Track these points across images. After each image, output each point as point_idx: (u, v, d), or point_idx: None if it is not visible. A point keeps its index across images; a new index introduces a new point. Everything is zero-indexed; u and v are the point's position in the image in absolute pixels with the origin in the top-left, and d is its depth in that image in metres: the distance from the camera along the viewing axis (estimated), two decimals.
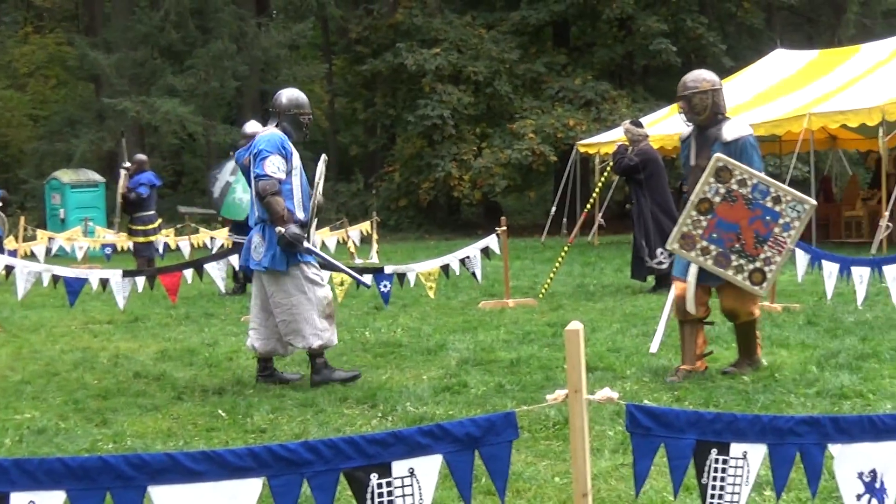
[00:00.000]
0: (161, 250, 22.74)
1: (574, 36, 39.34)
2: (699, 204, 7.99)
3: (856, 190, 25.17)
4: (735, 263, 7.95)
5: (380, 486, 3.31)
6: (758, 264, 7.92)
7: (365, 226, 24.54)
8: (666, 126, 24.98)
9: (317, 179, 8.99)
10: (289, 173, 8.71)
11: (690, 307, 8.22)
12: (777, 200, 7.85)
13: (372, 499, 3.30)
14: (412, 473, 3.34)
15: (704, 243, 8.00)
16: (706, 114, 8.42)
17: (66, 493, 3.02)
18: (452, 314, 12.97)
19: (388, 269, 11.95)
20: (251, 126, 15.80)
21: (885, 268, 10.10)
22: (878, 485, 3.59)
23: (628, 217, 14.57)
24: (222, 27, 34.85)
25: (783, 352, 9.39)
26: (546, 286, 14.67)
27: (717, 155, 8.00)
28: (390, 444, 3.32)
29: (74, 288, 10.86)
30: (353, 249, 22.64)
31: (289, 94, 9.14)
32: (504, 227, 13.72)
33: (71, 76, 43.41)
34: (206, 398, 8.32)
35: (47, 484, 3.00)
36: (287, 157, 8.70)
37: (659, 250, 14.05)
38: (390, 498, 3.31)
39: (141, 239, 19.22)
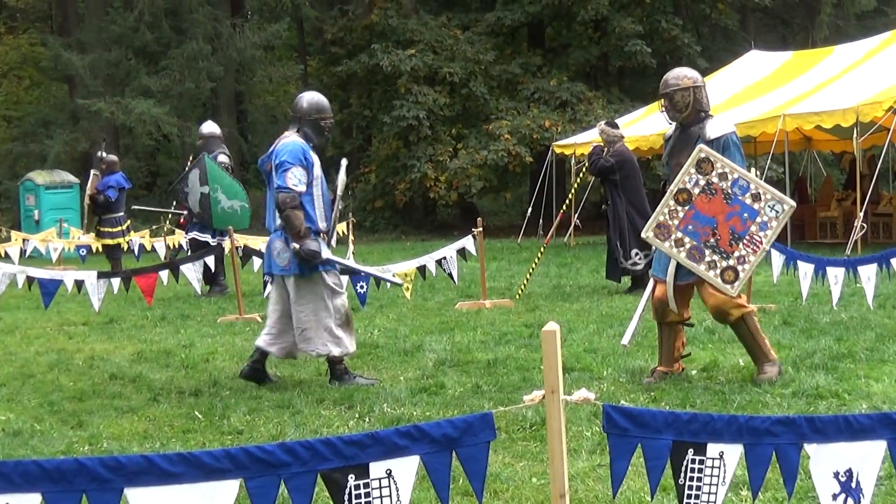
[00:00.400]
0: (136, 252, 22.65)
1: (549, 37, 39.39)
2: (678, 194, 7.94)
3: (830, 191, 25.28)
4: (708, 259, 7.88)
5: (357, 487, 3.30)
6: (731, 262, 7.85)
7: (341, 227, 24.47)
8: (641, 127, 25.05)
9: (339, 187, 9.00)
10: (310, 184, 8.64)
11: (672, 306, 8.20)
12: (756, 198, 7.79)
13: (349, 500, 3.30)
14: (389, 474, 3.33)
15: (679, 234, 7.93)
16: (688, 111, 8.35)
17: (42, 495, 3.00)
18: (429, 315, 12.97)
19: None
20: (208, 126, 15.77)
21: (859, 268, 10.15)
22: (853, 484, 3.60)
23: (603, 218, 14.59)
24: (197, 28, 34.73)
25: None
26: (522, 287, 14.68)
27: (700, 146, 7.95)
28: (367, 445, 3.32)
29: (49, 289, 10.82)
30: None
31: (309, 99, 9.02)
32: (480, 229, 13.73)
33: (45, 77, 43.22)
34: (182, 400, 8.30)
35: (23, 486, 2.99)
36: (309, 168, 8.62)
37: (634, 251, 14.09)
38: (368, 499, 3.31)
39: (109, 241, 19.14)
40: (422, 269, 12.65)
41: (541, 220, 27.19)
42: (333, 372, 8.83)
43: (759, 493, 3.80)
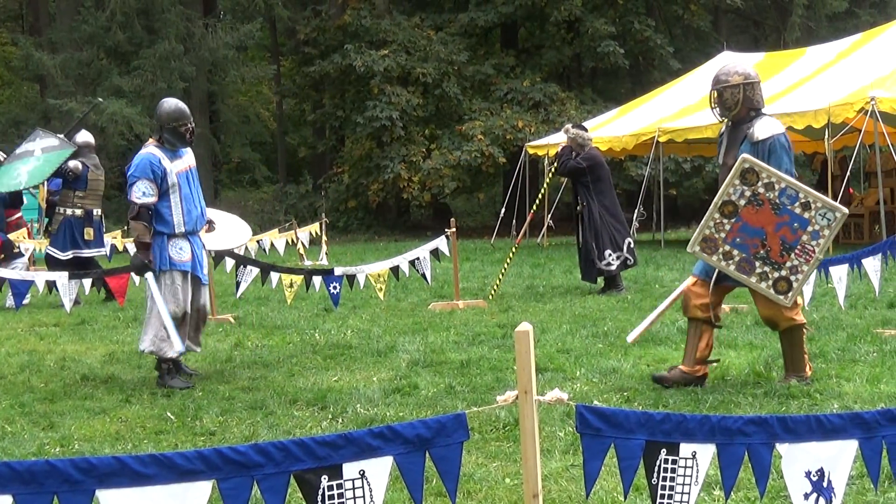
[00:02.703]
0: (108, 253, 22.51)
1: (522, 38, 39.47)
2: (723, 206, 7.72)
3: None
4: (759, 270, 7.70)
5: (330, 488, 3.30)
6: (783, 272, 7.66)
7: (314, 227, 24.46)
8: (614, 128, 25.13)
9: None
10: (165, 192, 9.00)
11: (700, 302, 8.11)
12: (806, 207, 7.54)
13: (323, 501, 3.29)
14: (363, 475, 3.33)
15: (727, 247, 7.73)
16: (737, 109, 8.12)
17: (13, 497, 2.98)
18: (402, 316, 12.97)
19: (338, 271, 11.91)
20: (82, 136, 15.64)
21: (831, 269, 10.18)
22: (825, 483, 3.62)
23: (575, 219, 14.61)
24: (169, 28, 34.61)
25: (731, 352, 9.45)
26: (496, 287, 14.70)
27: (744, 156, 7.71)
28: (341, 445, 3.31)
29: (20, 290, 10.75)
30: (302, 251, 22.56)
31: (168, 106, 9.27)
32: (454, 229, 13.74)
33: (15, 77, 43.04)
34: (154, 401, 8.27)
35: None
36: (158, 179, 8.96)
37: (607, 251, 14.12)
38: (341, 500, 3.31)
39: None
40: (395, 270, 12.63)
41: (514, 221, 27.22)
42: (159, 368, 9.15)
43: (732, 493, 3.81)
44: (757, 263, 7.70)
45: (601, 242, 14.13)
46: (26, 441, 7.00)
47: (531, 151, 27.45)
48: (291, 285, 11.59)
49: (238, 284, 11.57)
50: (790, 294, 7.72)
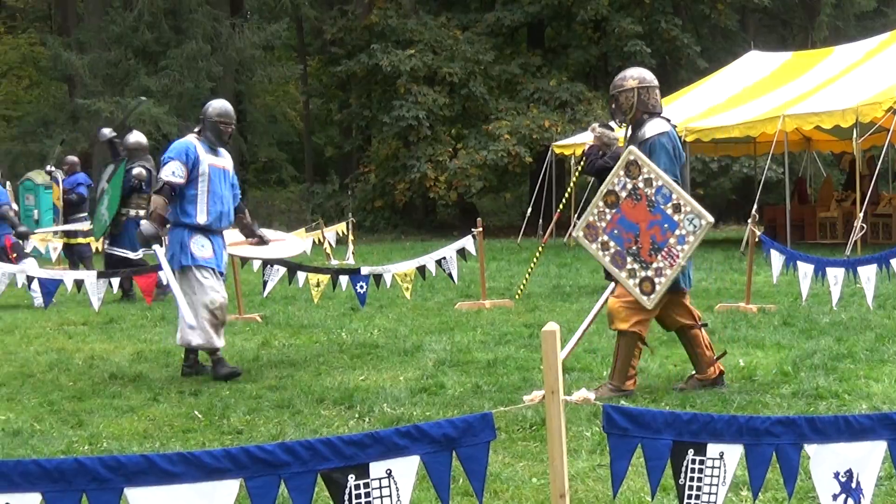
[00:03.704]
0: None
1: (549, 37, 39.42)
2: (606, 195, 7.73)
3: (830, 191, 25.29)
4: (629, 266, 7.65)
5: (357, 487, 3.30)
6: (649, 273, 7.59)
7: (341, 227, 24.51)
8: None
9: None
10: (194, 179, 9.15)
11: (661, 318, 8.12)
12: (677, 209, 7.47)
13: (349, 500, 3.29)
14: (390, 474, 3.33)
15: (605, 238, 7.74)
16: (632, 113, 8.07)
17: (42, 495, 3.00)
18: (429, 315, 12.96)
19: (365, 270, 11.94)
20: (134, 136, 15.76)
21: (859, 269, 10.14)
22: (853, 485, 3.60)
23: None
24: (196, 28, 34.71)
25: (759, 353, 9.42)
26: (522, 287, 14.68)
27: (630, 147, 7.76)
28: (367, 445, 3.31)
29: (49, 289, 10.82)
30: (328, 251, 22.59)
31: (216, 104, 9.60)
32: (480, 229, 13.73)
33: (44, 77, 43.24)
34: (182, 399, 8.30)
35: (23, 486, 2.98)
36: (190, 164, 9.13)
37: None
38: (368, 499, 3.31)
39: (81, 240, 19.08)
40: (421, 270, 12.64)
41: (540, 220, 27.17)
42: (186, 357, 9.47)
43: (760, 494, 3.80)
44: (628, 259, 7.68)
45: None
46: (55, 439, 7.03)
47: (557, 151, 27.41)
48: (318, 285, 11.62)
49: (265, 284, 11.61)
50: (653, 296, 7.64)
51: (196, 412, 7.75)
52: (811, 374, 8.24)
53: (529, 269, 15.08)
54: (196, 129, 9.44)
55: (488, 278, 15.37)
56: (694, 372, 8.16)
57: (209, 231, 9.22)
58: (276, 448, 3.23)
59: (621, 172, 7.67)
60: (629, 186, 7.62)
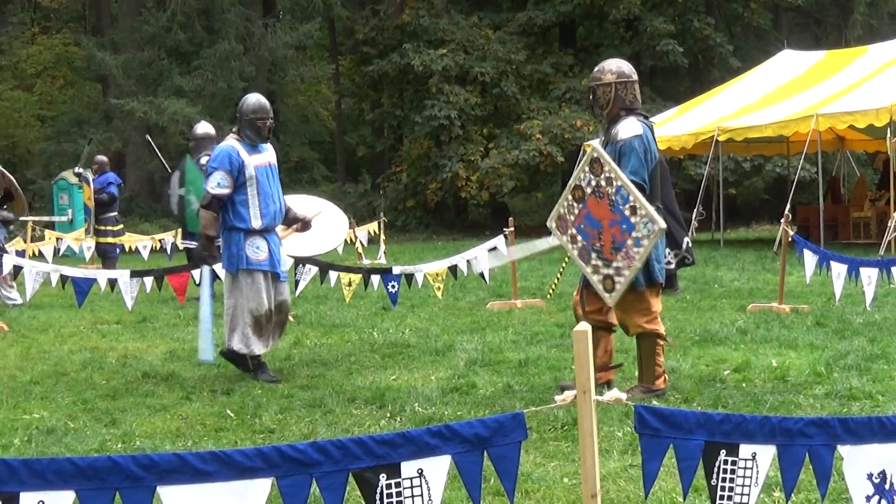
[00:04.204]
0: (169, 251, 22.79)
1: (581, 36, 39.36)
2: (574, 189, 7.77)
3: (864, 191, 25.14)
4: (594, 262, 7.66)
5: (389, 486, 3.31)
6: (610, 271, 7.57)
7: (372, 226, 24.54)
8: (673, 127, 24.96)
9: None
10: (241, 185, 9.04)
11: (579, 310, 8.09)
12: (633, 211, 7.40)
13: (381, 499, 3.30)
14: (421, 474, 3.33)
15: (574, 231, 7.79)
16: (609, 107, 8.00)
17: (76, 493, 3.02)
18: (460, 315, 12.97)
19: (396, 270, 11.95)
20: (202, 127, 15.75)
21: (893, 269, 10.09)
22: (887, 486, 3.58)
23: None
24: (229, 28, 34.85)
25: (792, 353, 9.37)
26: (554, 287, 14.66)
27: (594, 145, 7.79)
28: (399, 444, 3.32)
29: (83, 288, 10.89)
30: (360, 250, 22.63)
31: (249, 100, 9.42)
32: (512, 228, 13.73)
33: (78, 77, 43.47)
34: (214, 398, 8.33)
35: (57, 484, 3.00)
36: (235, 171, 9.03)
37: (666, 250, 14.02)
38: (399, 498, 3.31)
39: (111, 240, 19.16)
40: (453, 269, 12.64)
41: None
42: (238, 364, 9.29)
43: (793, 495, 3.78)
44: (593, 255, 7.69)
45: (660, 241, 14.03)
46: (88, 437, 7.07)
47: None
48: (350, 284, 11.63)
49: (297, 283, 11.63)
50: (614, 294, 7.61)
51: (228, 411, 7.78)
52: (844, 374, 8.20)
53: (561, 269, 15.05)
54: (234, 130, 9.36)
55: (520, 278, 15.36)
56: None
57: (265, 231, 9.14)
58: (308, 447, 3.24)
59: (587, 168, 7.68)
60: (593, 183, 7.64)
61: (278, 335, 9.50)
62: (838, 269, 10.86)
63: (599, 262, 7.65)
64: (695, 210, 22.13)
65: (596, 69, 8.19)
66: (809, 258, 11.55)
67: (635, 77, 8.07)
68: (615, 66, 8.07)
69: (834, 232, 23.77)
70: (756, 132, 22.29)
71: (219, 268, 9.79)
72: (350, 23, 39.31)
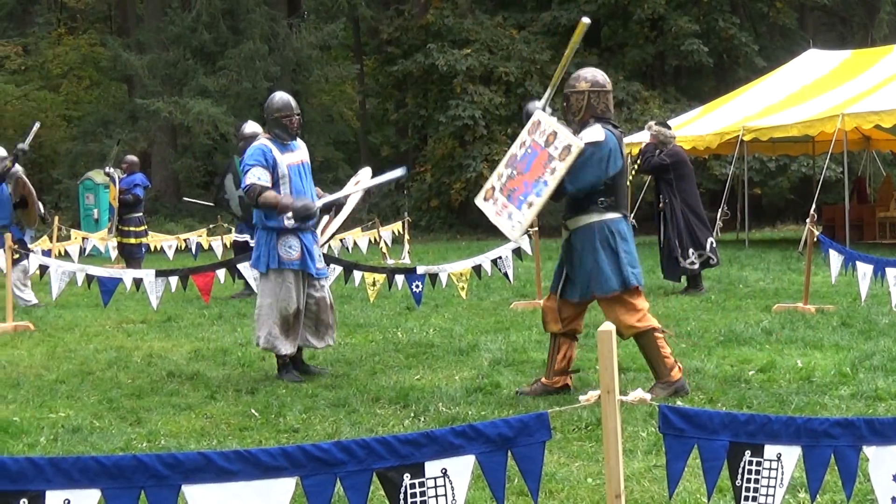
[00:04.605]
0: (194, 250, 22.87)
1: (605, 36, 39.30)
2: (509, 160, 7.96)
3: (890, 191, 25.02)
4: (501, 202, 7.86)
5: (413, 486, 3.31)
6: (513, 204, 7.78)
7: (397, 226, 24.56)
8: (698, 127, 24.90)
9: (347, 192, 9.20)
10: (275, 183, 9.03)
11: (553, 317, 8.16)
12: (549, 143, 7.63)
13: (405, 499, 3.30)
14: (445, 474, 3.34)
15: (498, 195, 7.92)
16: (581, 115, 8.01)
17: (101, 491, 3.03)
18: (484, 315, 12.96)
19: (420, 270, 11.96)
20: (249, 127, 15.82)
21: None
22: None
23: (659, 217, 14.43)
24: (254, 28, 34.94)
25: (817, 353, 9.34)
26: None
27: (537, 108, 7.92)
28: (423, 444, 3.32)
29: (108, 287, 10.94)
30: (385, 250, 22.65)
31: (274, 98, 9.43)
32: (536, 228, 13.71)
33: (104, 77, 43.64)
34: (239, 398, 8.35)
35: (82, 482, 3.02)
36: (271, 168, 9.02)
37: (690, 250, 14.00)
38: (423, 498, 3.32)
39: (133, 240, 19.23)
40: (477, 269, 12.65)
41: None
42: (292, 360, 9.31)
43: (818, 496, 3.77)
44: (502, 197, 7.85)
45: (684, 241, 14.01)
46: (114, 436, 7.09)
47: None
48: (374, 284, 11.66)
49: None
50: (516, 225, 7.77)
51: (253, 410, 7.80)
52: (870, 375, 8.17)
53: None
54: (264, 130, 9.36)
55: (544, 278, 15.31)
56: (543, 377, 8.21)
57: (298, 229, 9.11)
58: (332, 447, 3.24)
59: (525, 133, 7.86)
60: (527, 143, 7.79)
61: (321, 335, 9.43)
62: (864, 270, 10.81)
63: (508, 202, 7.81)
64: (719, 210, 22.05)
65: (571, 76, 8.26)
66: (835, 258, 11.50)
67: (609, 87, 8.11)
68: (590, 75, 8.14)
69: (860, 232, 23.68)
70: (781, 132, 22.21)
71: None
72: (374, 23, 39.37)
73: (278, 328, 9.02)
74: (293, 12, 39.30)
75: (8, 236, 13.48)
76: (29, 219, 15.52)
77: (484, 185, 8.11)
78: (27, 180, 15.53)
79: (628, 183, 16.78)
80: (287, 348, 9.10)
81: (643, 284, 8.13)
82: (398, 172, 9.94)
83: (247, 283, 15.47)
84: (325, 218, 9.83)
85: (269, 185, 8.93)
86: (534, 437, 3.43)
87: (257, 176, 8.89)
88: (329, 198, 9.35)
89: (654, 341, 7.91)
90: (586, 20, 8.02)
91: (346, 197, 9.74)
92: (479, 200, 8.10)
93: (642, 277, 8.11)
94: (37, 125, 16.09)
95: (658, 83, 38.58)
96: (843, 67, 24.87)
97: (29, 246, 15.59)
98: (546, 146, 7.62)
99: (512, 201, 7.75)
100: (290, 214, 8.90)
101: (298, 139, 9.45)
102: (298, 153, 9.31)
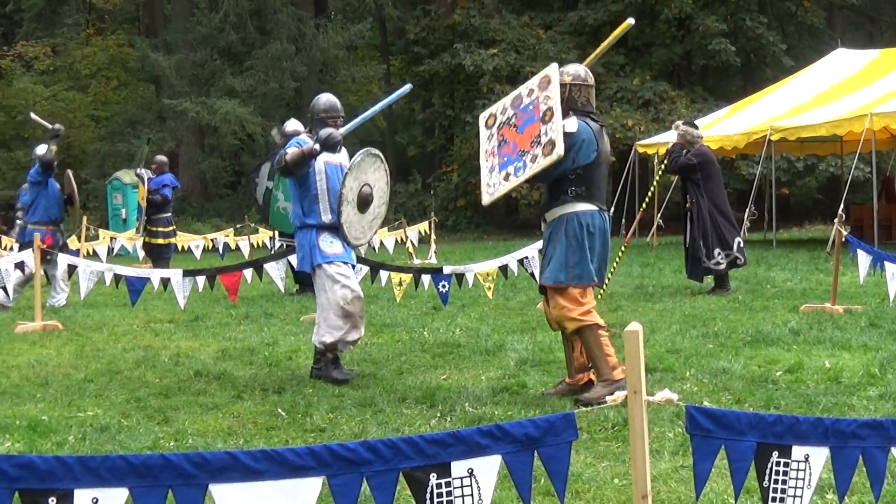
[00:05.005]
0: (221, 250, 22.94)
1: (632, 36, 39.14)
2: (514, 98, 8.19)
3: None
4: (491, 162, 8.16)
5: (439, 486, 3.31)
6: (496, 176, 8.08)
7: (423, 226, 24.58)
8: (725, 126, 24.83)
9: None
10: (311, 179, 9.09)
11: (547, 311, 8.15)
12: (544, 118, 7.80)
13: (431, 499, 3.30)
14: (471, 474, 3.34)
15: (495, 133, 8.19)
16: (562, 107, 7.94)
17: (129, 490, 3.04)
18: (511, 314, 12.95)
19: (447, 270, 11.97)
20: (291, 125, 15.89)
21: None
22: None
23: (686, 216, 14.40)
24: (281, 28, 35.03)
25: (845, 354, 9.29)
26: (605, 286, 14.61)
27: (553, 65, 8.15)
28: (449, 444, 3.32)
29: (136, 287, 10.99)
30: (411, 250, 22.67)
31: (321, 100, 9.49)
32: None
33: (132, 77, 43.84)
34: (266, 397, 8.36)
35: (110, 481, 3.03)
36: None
37: (716, 251, 13.96)
38: (449, 498, 3.32)
39: (161, 241, 19.30)
40: (504, 269, 12.64)
41: (623, 220, 27.02)
42: (317, 358, 9.18)
43: (846, 497, 3.75)
44: (494, 157, 8.17)
45: (710, 241, 13.97)
46: (142, 435, 7.12)
47: (641, 150, 27.26)
48: (401, 284, 11.66)
49: None
50: (487, 194, 8.16)
51: (279, 410, 7.81)
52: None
53: (612, 269, 15.00)
54: (307, 129, 9.37)
55: None
56: (566, 379, 8.21)
57: (336, 227, 9.09)
58: (359, 446, 3.25)
59: (535, 82, 8.05)
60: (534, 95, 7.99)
61: (362, 325, 9.42)
62: (892, 270, 10.76)
63: (495, 162, 8.07)
64: (747, 210, 22.00)
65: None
66: (863, 258, 11.45)
67: (591, 82, 8.20)
68: (573, 70, 8.24)
69: (888, 232, 23.57)
70: (809, 131, 22.12)
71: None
72: (401, 23, 39.41)
73: (340, 319, 8.97)
74: (320, 12, 39.37)
75: (37, 236, 13.55)
76: (72, 217, 15.75)
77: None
78: (72, 178, 15.73)
79: (654, 184, 16.77)
80: (353, 336, 9.07)
81: (598, 281, 8.09)
82: (404, 89, 9.99)
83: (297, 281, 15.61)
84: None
85: (306, 180, 9.02)
86: (560, 438, 3.42)
87: (291, 152, 8.94)
88: (350, 125, 9.36)
89: (597, 338, 7.88)
90: (631, 21, 8.27)
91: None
92: (481, 121, 8.38)
93: (604, 275, 8.16)
94: (57, 126, 16.23)
95: (685, 83, 38.47)
96: (871, 67, 24.74)
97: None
98: (542, 121, 7.76)
99: (499, 154, 8.02)
100: (318, 148, 8.92)
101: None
102: (339, 156, 9.34)
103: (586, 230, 7.88)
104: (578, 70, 8.22)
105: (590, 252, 7.89)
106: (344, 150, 9.43)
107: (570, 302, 7.89)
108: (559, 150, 7.59)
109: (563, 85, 8.02)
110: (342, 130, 9.14)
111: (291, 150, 8.90)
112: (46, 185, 15.35)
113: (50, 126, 15.44)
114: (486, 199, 8.14)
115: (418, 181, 39.92)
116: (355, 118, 9.60)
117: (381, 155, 9.42)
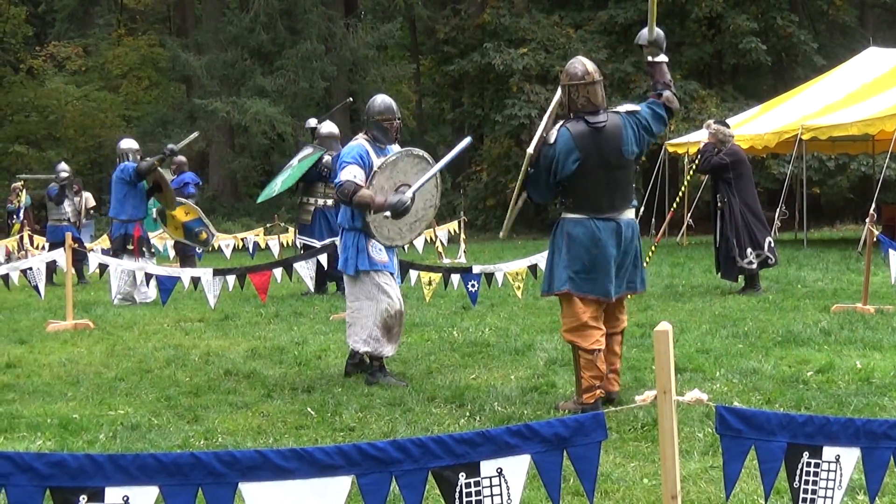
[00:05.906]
0: (251, 250, 22.99)
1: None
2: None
3: None
4: None
5: (468, 485, 3.31)
6: None
7: (453, 225, 24.57)
8: (756, 126, 24.73)
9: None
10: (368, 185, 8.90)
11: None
12: None
13: (460, 498, 3.31)
14: (500, 473, 3.34)
15: None
16: (566, 110, 8.04)
17: (159, 488, 3.06)
18: (540, 314, 12.93)
19: (476, 269, 11.96)
20: (326, 127, 15.97)
21: None
22: None
23: (716, 216, 14.34)
24: (311, 28, 35.11)
25: (877, 354, 9.24)
26: (629, 296, 14.55)
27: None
28: (479, 443, 3.32)
29: (167, 286, 11.04)
30: (440, 249, 22.67)
31: (376, 101, 9.34)
32: None
33: (163, 77, 44.03)
34: (295, 396, 8.38)
35: (141, 479, 3.05)
36: (366, 168, 8.87)
37: (749, 250, 13.91)
38: (478, 497, 3.32)
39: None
40: (533, 268, 12.61)
41: (653, 220, 26.96)
42: (369, 367, 9.11)
43: (877, 498, 3.73)
44: None
45: (742, 240, 13.92)
46: (172, 433, 7.15)
47: (671, 150, 27.18)
48: (430, 283, 11.67)
49: None
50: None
51: (309, 409, 7.83)
52: None
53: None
54: (364, 131, 9.27)
55: None
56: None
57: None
58: (388, 445, 3.25)
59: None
60: None
61: (397, 341, 9.37)
62: None
63: None
64: (778, 209, 21.88)
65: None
66: (895, 258, 11.38)
67: (590, 78, 7.94)
68: (570, 68, 8.02)
69: None
70: (841, 130, 21.99)
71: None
72: (431, 22, 39.44)
73: (380, 331, 8.91)
74: (350, 12, 39.44)
75: (68, 235, 13.62)
76: (168, 200, 16.16)
77: None
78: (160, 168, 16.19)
79: (685, 183, 16.71)
80: (388, 350, 9.01)
81: (584, 292, 7.83)
82: (465, 143, 9.84)
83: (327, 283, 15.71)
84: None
85: (364, 183, 8.77)
86: (590, 437, 3.42)
87: (353, 174, 8.74)
88: (416, 185, 9.03)
89: (577, 357, 7.78)
90: None
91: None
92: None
93: (587, 286, 7.80)
94: (195, 134, 16.91)
95: (715, 82, 38.34)
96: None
97: (87, 245, 15.77)
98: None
99: None
100: (387, 213, 8.70)
101: (396, 144, 9.35)
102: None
103: (569, 238, 7.72)
104: (574, 68, 7.99)
105: (574, 261, 7.71)
106: (397, 148, 9.32)
107: (565, 312, 7.89)
108: (529, 148, 7.64)
109: (562, 86, 7.95)
110: (411, 192, 8.82)
111: (362, 194, 8.64)
112: (135, 185, 16.01)
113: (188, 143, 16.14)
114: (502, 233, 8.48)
115: (448, 180, 39.92)
116: (419, 179, 9.19)
117: (426, 156, 9.28)
